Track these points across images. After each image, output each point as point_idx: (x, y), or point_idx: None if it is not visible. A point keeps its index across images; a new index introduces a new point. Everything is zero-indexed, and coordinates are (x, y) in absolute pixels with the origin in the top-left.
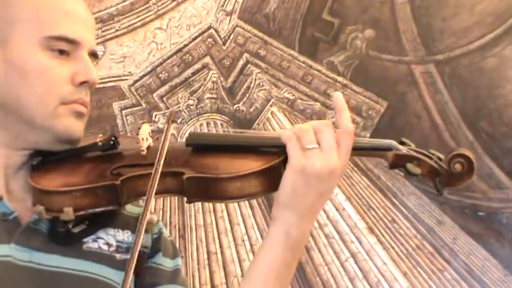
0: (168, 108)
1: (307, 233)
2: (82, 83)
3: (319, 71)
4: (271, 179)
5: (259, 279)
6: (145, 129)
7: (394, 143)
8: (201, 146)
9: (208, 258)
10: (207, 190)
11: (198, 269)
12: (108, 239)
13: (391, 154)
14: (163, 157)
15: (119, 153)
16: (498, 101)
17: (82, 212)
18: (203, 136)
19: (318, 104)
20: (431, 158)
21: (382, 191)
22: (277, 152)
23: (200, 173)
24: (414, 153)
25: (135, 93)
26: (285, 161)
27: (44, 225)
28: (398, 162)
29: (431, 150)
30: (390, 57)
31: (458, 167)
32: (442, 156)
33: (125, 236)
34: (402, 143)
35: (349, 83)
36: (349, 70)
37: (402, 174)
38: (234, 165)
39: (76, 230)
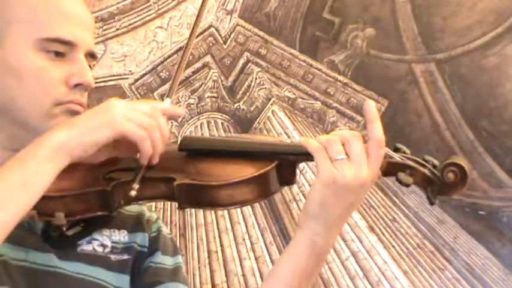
0: None
1: (332, 243)
2: (77, 85)
3: (319, 69)
4: (263, 186)
5: (281, 286)
6: None
7: (386, 149)
8: (194, 151)
9: (209, 257)
10: (198, 197)
11: (199, 267)
12: (103, 240)
13: (384, 162)
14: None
15: (113, 156)
16: (499, 99)
17: (73, 217)
18: (196, 141)
19: (318, 102)
20: (425, 166)
21: (383, 189)
22: (270, 157)
23: (191, 179)
24: (408, 162)
25: (136, 92)
26: (278, 166)
27: (38, 225)
28: (391, 170)
29: (426, 156)
30: (391, 56)
31: (451, 176)
32: (437, 162)
33: (120, 235)
34: (396, 150)
35: (350, 81)
36: (349, 69)
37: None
38: (225, 172)
39: (70, 232)
